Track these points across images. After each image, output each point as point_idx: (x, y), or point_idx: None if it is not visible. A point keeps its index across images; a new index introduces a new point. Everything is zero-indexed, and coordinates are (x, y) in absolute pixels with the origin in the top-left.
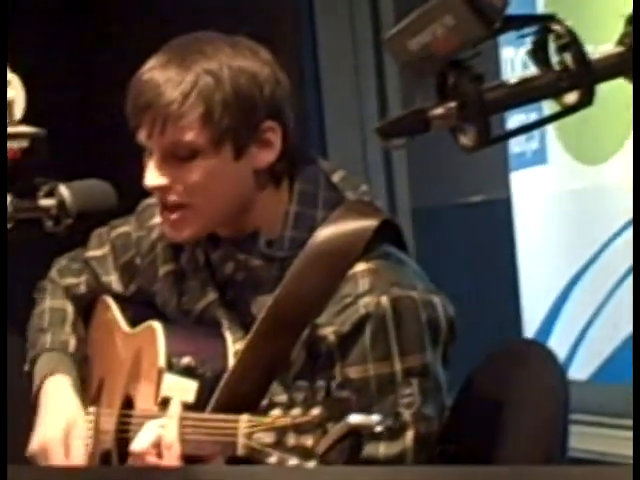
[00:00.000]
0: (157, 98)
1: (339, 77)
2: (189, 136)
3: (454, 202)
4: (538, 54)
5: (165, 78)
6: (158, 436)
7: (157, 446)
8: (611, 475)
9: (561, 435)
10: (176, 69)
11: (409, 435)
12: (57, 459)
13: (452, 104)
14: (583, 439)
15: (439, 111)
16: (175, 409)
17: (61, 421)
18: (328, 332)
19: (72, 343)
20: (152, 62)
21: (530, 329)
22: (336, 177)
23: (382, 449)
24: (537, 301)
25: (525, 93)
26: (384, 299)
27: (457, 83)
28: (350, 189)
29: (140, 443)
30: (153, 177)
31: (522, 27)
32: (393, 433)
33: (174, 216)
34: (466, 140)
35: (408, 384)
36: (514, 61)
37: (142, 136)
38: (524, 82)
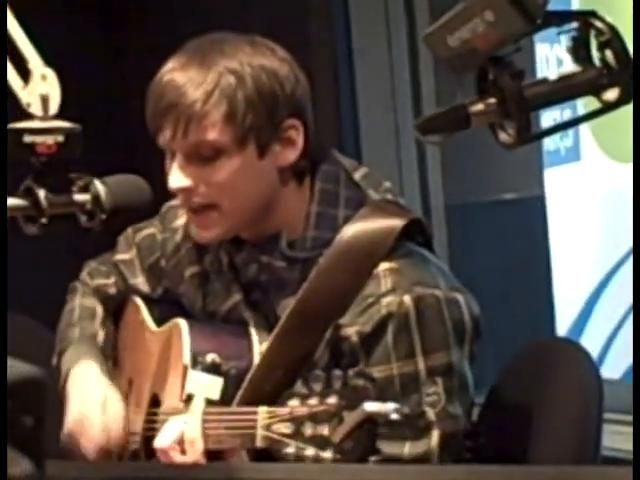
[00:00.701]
0: (179, 99)
1: (373, 75)
2: (213, 135)
3: (488, 199)
4: (578, 51)
5: (186, 79)
6: (181, 432)
7: (180, 442)
8: (612, 475)
9: (594, 434)
10: (197, 69)
11: (435, 434)
12: (93, 430)
13: (492, 100)
14: (615, 438)
15: (479, 107)
16: (198, 405)
17: (95, 395)
18: (351, 332)
19: (101, 336)
20: (171, 64)
21: (563, 327)
22: (358, 175)
23: (407, 448)
24: (570, 299)
25: (565, 90)
26: (407, 298)
27: (497, 79)
28: (372, 187)
29: (163, 439)
30: (177, 179)
31: (562, 23)
32: (418, 432)
33: (201, 217)
34: (506, 137)
35: (432, 383)
36: (549, 58)
37: (164, 138)
38: (564, 79)
